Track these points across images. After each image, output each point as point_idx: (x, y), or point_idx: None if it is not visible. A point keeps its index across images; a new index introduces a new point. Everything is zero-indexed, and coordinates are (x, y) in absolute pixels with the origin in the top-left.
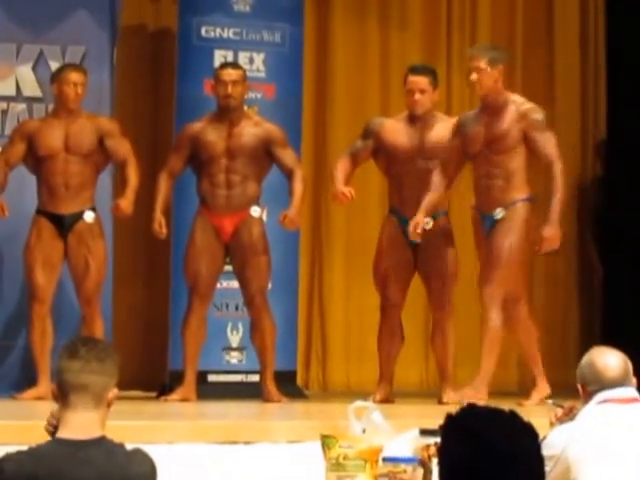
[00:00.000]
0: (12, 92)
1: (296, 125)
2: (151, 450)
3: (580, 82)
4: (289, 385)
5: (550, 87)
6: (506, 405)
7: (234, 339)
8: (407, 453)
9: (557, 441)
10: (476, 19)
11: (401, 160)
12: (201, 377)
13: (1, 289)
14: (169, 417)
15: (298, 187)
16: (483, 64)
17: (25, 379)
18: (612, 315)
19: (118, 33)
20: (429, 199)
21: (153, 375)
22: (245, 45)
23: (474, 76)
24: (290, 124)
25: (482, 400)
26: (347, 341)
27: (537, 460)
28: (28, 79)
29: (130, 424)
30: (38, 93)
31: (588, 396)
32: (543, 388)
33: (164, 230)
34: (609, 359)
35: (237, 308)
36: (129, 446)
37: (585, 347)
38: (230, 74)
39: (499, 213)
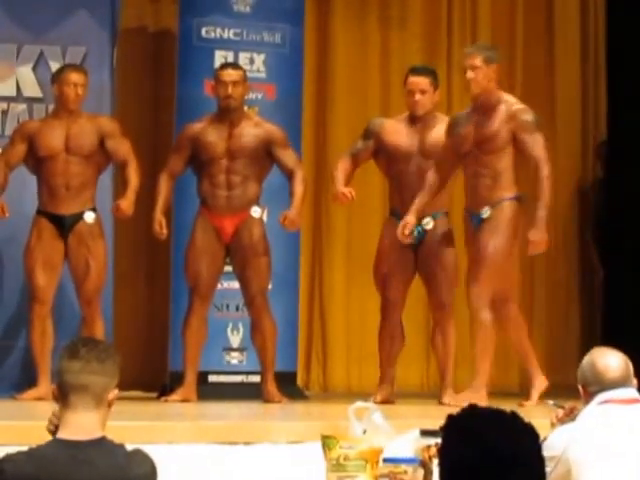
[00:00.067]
0: (12, 92)
1: (296, 125)
2: (151, 450)
3: (580, 83)
4: (289, 386)
5: (550, 88)
6: (507, 406)
7: (234, 340)
8: (408, 454)
9: (558, 442)
10: (476, 19)
11: (402, 160)
12: (201, 378)
13: (1, 290)
14: (169, 418)
15: (298, 188)
16: (479, 62)
17: (25, 380)
18: (612, 316)
19: (118, 34)
20: (420, 200)
21: (153, 376)
22: (245, 46)
23: (470, 74)
24: (290, 124)
25: (482, 402)
26: (348, 342)
27: (538, 461)
28: (28, 79)
29: (130, 424)
30: (38, 93)
31: (589, 397)
32: (540, 383)
33: (164, 231)
34: (610, 360)
35: (238, 309)
36: (129, 446)
37: (586, 348)
38: (230, 74)
39: (486, 212)
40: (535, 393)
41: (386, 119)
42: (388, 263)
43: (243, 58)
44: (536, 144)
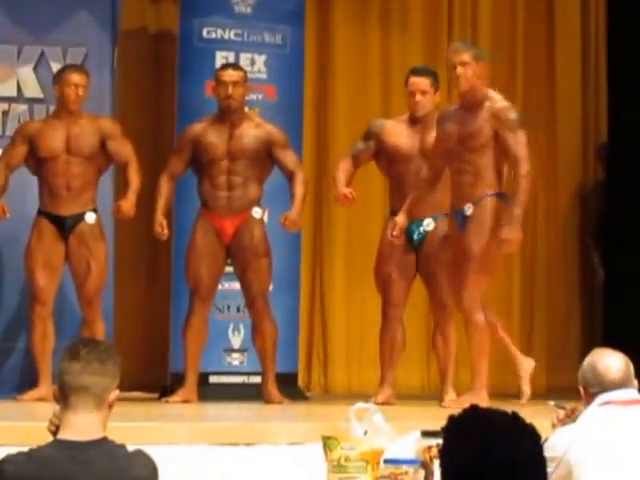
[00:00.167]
0: (13, 93)
1: (297, 126)
2: (152, 451)
3: (581, 85)
4: (290, 387)
5: (551, 90)
6: (507, 407)
7: (235, 340)
8: (409, 455)
9: (559, 443)
10: (477, 20)
11: (402, 161)
12: (202, 378)
13: (2, 291)
14: (170, 418)
15: (299, 189)
16: (468, 58)
17: (26, 381)
18: (613, 317)
19: (119, 34)
20: (411, 199)
21: (154, 377)
22: (246, 46)
23: (460, 70)
24: (291, 125)
25: (483, 403)
26: (348, 343)
27: (539, 462)
28: (29, 80)
29: (131, 425)
30: (39, 94)
31: (590, 398)
32: (524, 366)
33: (165, 232)
34: (611, 361)
35: (239, 310)
36: (130, 447)
37: (586, 349)
38: (230, 75)
39: (468, 209)
40: (524, 383)
41: (387, 120)
42: (389, 264)
43: (244, 59)
44: (518, 142)
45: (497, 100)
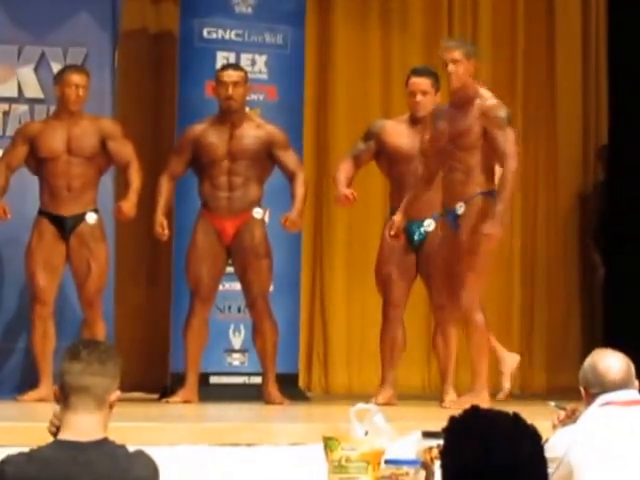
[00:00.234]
0: (14, 93)
1: (298, 127)
2: (153, 452)
3: (581, 86)
4: (291, 387)
5: (551, 90)
6: (508, 408)
7: (236, 341)
8: (409, 455)
9: (560, 443)
10: (477, 22)
11: (403, 162)
12: (203, 379)
13: (2, 291)
14: (171, 419)
15: (300, 189)
16: (460, 55)
17: (26, 381)
18: (613, 317)
19: (119, 35)
20: (408, 198)
21: (155, 377)
22: (247, 47)
23: (451, 67)
24: (292, 126)
25: (485, 404)
26: (349, 343)
27: (540, 463)
28: (30, 80)
29: (132, 426)
30: (40, 94)
31: (590, 398)
32: (507, 361)
33: (166, 232)
34: (611, 361)
35: (239, 310)
36: (131, 448)
37: (587, 349)
38: (230, 75)
39: (460, 208)
40: (506, 377)
41: (387, 120)
42: (389, 265)
43: (245, 59)
44: (506, 140)
45: (487, 98)
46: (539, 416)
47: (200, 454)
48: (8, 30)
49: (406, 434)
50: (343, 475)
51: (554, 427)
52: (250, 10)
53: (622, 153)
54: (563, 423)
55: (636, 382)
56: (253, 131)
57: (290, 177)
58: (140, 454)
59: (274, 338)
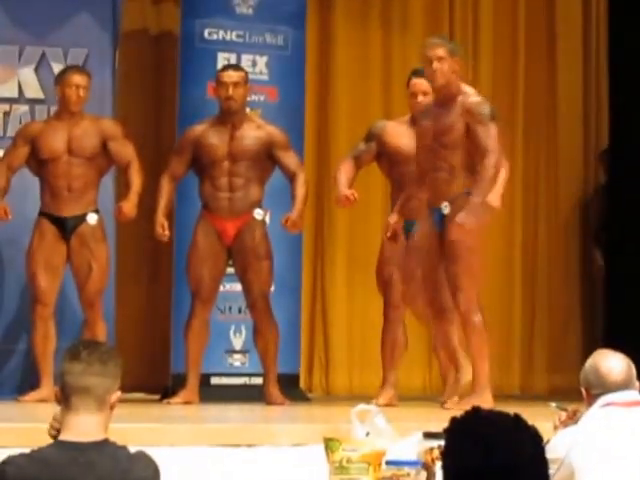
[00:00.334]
0: (14, 94)
1: (298, 128)
2: (154, 453)
3: (582, 90)
4: (292, 388)
5: (552, 96)
6: (508, 409)
7: (237, 342)
8: (411, 456)
9: (561, 444)
10: (478, 22)
11: (403, 162)
12: (204, 380)
13: (3, 292)
14: (172, 420)
15: (300, 190)
16: (444, 53)
17: (27, 382)
18: (614, 318)
19: (120, 36)
20: (402, 198)
21: (156, 378)
22: (248, 48)
23: (436, 64)
24: (293, 127)
25: (487, 405)
26: (350, 344)
27: (541, 464)
28: (30, 81)
29: (133, 427)
30: (40, 95)
31: (592, 399)
32: (466, 369)
33: (167, 233)
34: (613, 362)
35: (240, 311)
36: (132, 449)
37: (587, 350)
38: (231, 76)
39: (445, 207)
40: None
41: (388, 121)
42: (390, 265)
43: (245, 60)
44: (488, 135)
45: (470, 95)
46: (540, 417)
47: (201, 455)
48: (9, 30)
49: (407, 435)
50: (344, 476)
51: (555, 428)
52: (251, 11)
53: (623, 154)
54: (564, 424)
55: (637, 383)
56: (253, 132)
57: (291, 178)
58: (141, 455)
59: (275, 339)
